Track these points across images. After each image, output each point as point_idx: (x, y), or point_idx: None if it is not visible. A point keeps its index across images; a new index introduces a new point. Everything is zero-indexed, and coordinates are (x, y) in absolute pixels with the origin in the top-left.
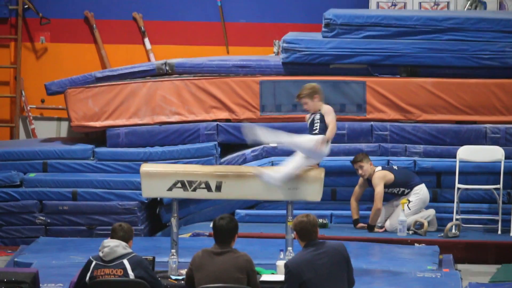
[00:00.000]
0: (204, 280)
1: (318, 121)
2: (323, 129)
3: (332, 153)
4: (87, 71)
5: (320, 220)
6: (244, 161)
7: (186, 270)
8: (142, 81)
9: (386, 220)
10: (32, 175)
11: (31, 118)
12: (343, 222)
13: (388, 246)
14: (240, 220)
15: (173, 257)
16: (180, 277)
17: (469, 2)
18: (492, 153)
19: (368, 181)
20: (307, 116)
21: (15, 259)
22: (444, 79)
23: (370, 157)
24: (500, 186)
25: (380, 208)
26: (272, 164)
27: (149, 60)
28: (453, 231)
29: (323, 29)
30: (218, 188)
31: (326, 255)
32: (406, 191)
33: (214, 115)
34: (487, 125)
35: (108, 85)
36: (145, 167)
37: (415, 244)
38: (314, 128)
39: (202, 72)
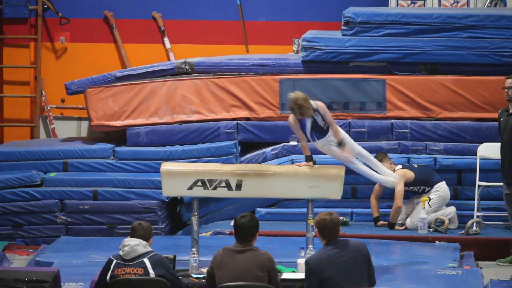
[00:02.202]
0: (225, 278)
1: (322, 122)
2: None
3: None
4: (107, 71)
5: (341, 218)
6: (264, 159)
7: (207, 268)
8: (162, 80)
9: (406, 218)
10: (52, 174)
11: (51, 117)
12: (364, 220)
13: (409, 244)
14: (261, 219)
15: (194, 255)
16: (201, 276)
17: None
18: None
19: None
20: (293, 119)
21: (36, 259)
22: (464, 77)
23: (390, 155)
24: None
25: (400, 206)
26: (292, 162)
27: (168, 59)
28: (474, 228)
29: (343, 27)
30: (239, 186)
31: (347, 253)
32: (427, 189)
33: (234, 113)
34: None
35: (128, 85)
36: (166, 166)
37: (436, 241)
38: (326, 128)
39: (221, 71)
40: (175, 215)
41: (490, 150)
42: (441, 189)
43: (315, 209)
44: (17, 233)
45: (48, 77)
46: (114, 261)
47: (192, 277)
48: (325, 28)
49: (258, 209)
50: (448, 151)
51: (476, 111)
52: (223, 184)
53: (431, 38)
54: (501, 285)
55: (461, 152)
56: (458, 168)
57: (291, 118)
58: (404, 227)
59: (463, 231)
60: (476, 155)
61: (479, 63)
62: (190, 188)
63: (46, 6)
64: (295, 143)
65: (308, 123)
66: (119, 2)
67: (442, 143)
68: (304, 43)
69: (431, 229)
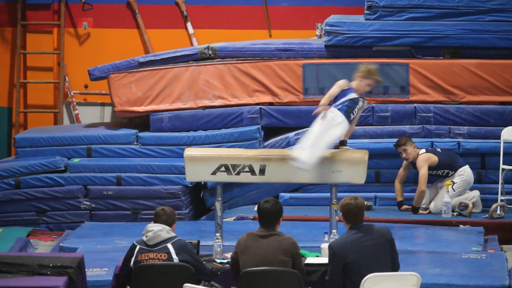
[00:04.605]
0: (249, 263)
1: (355, 111)
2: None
3: (376, 135)
4: (130, 56)
5: (365, 203)
6: (288, 144)
7: (231, 253)
8: (185, 66)
9: (430, 202)
10: (76, 160)
11: (75, 103)
12: (388, 204)
13: (433, 228)
14: (284, 203)
15: (217, 240)
16: (225, 261)
17: None
18: None
19: (412, 164)
20: (345, 83)
21: (61, 244)
22: (488, 60)
23: (413, 139)
24: None
25: (424, 190)
26: None
27: (191, 44)
28: (498, 212)
29: (366, 11)
30: (262, 171)
31: (370, 237)
32: (451, 173)
33: (257, 98)
34: None
35: (151, 70)
36: (189, 151)
37: (460, 225)
38: (354, 116)
39: (244, 56)
40: (199, 200)
41: None
42: (465, 173)
43: (338, 194)
44: (41, 219)
45: (71, 63)
46: (138, 247)
47: (216, 262)
48: (348, 13)
49: (281, 194)
50: (471, 135)
51: (499, 94)
52: (247, 169)
53: (455, 21)
54: None
55: (484, 136)
56: (481, 152)
57: (343, 81)
58: (428, 211)
59: (487, 215)
60: (499, 138)
61: (503, 46)
62: (214, 173)
63: None
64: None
65: (351, 95)
66: None
67: (465, 127)
68: (327, 27)
69: (455, 213)
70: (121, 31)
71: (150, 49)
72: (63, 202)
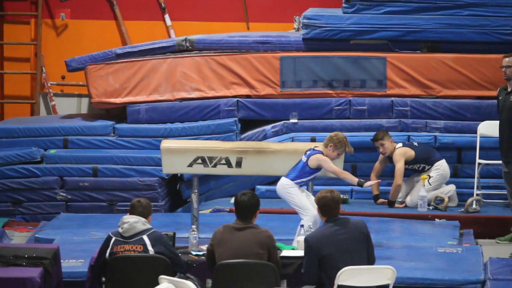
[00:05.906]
0: (225, 256)
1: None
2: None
3: (353, 128)
4: (108, 48)
5: (341, 196)
6: (265, 137)
7: (206, 245)
8: (163, 58)
9: (406, 196)
10: (52, 151)
11: (52, 94)
12: (364, 197)
13: (409, 222)
14: (261, 196)
15: (193, 232)
16: (201, 253)
17: None
18: None
19: (389, 158)
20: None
21: (36, 235)
22: (465, 55)
23: (390, 132)
24: None
25: (400, 184)
26: (293, 140)
27: (169, 36)
28: (474, 206)
29: (344, 4)
30: (239, 164)
31: (346, 231)
32: (427, 167)
33: (234, 91)
34: None
35: (129, 62)
36: (166, 143)
37: (436, 219)
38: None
39: (222, 48)
40: (175, 192)
41: (490, 128)
42: (441, 167)
43: (315, 187)
44: (17, 210)
45: (49, 54)
46: (113, 238)
47: (191, 254)
48: (326, 6)
49: (258, 186)
50: (448, 129)
51: (476, 89)
52: (223, 161)
53: (432, 16)
54: (500, 263)
55: (461, 130)
56: (458, 146)
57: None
58: (403, 205)
59: (462, 209)
60: (476, 133)
61: (480, 41)
62: (190, 165)
63: None
64: (296, 120)
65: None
66: None
67: (442, 121)
68: (305, 20)
69: (430, 207)
70: (99, 23)
71: (128, 41)
72: (39, 193)
